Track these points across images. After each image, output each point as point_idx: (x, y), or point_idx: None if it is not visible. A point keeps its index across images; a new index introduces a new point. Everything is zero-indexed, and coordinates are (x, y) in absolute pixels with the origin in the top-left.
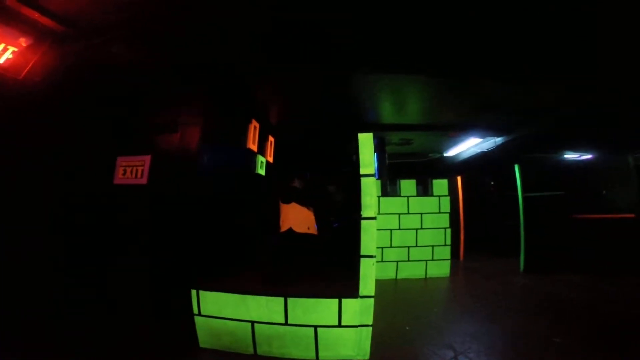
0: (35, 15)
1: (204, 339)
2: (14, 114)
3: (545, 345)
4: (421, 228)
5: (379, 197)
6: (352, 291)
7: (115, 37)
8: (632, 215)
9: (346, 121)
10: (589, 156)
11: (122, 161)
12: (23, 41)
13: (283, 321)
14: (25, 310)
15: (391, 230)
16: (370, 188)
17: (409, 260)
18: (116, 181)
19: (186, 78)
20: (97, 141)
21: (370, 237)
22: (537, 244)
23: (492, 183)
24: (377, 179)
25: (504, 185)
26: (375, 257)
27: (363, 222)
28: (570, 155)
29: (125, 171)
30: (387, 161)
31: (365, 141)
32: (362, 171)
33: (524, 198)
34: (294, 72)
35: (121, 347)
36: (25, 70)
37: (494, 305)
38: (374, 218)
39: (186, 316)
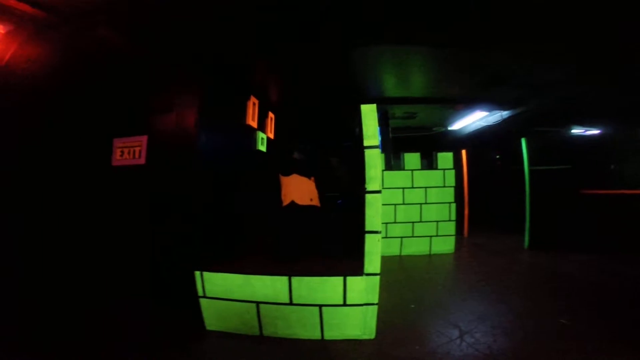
0: (11, 2)
1: (210, 322)
2: (9, 102)
3: (552, 325)
4: (425, 203)
5: (382, 171)
6: (357, 269)
7: (99, 20)
8: None
9: (348, 95)
10: (597, 130)
11: (118, 142)
12: (1, 28)
13: (288, 301)
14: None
15: (395, 205)
16: (374, 160)
17: (413, 236)
18: (115, 163)
19: (179, 58)
20: (92, 124)
21: (375, 212)
22: (543, 219)
23: (498, 157)
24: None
25: (509, 160)
26: (380, 232)
27: (367, 196)
28: (578, 130)
29: (122, 152)
30: (390, 135)
31: (369, 112)
32: (366, 143)
33: (530, 172)
34: (291, 50)
35: (126, 331)
36: (7, 58)
37: (500, 283)
38: (379, 191)
39: (191, 298)
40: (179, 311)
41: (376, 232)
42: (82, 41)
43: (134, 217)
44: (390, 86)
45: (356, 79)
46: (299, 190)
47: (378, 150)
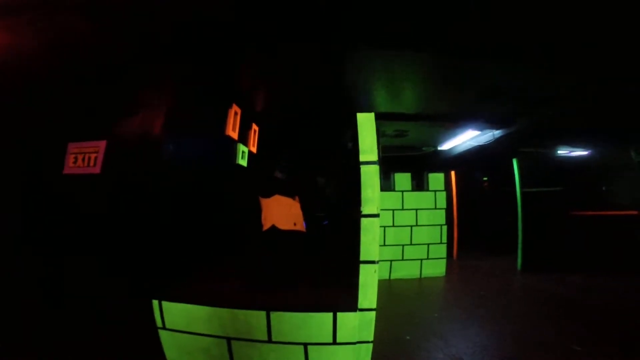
0: None
1: (172, 356)
2: None
3: (564, 353)
4: (416, 225)
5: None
6: (350, 303)
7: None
8: (635, 212)
9: (338, 107)
10: (587, 152)
11: (73, 147)
12: None
13: (266, 338)
14: None
15: (385, 227)
16: (371, 178)
17: (403, 260)
18: (66, 170)
19: (149, 54)
20: (44, 125)
21: (371, 239)
22: (536, 241)
23: (485, 179)
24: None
25: (499, 181)
26: (377, 262)
27: (363, 221)
28: (569, 151)
29: (76, 159)
30: (380, 154)
31: (366, 122)
32: (362, 158)
33: (522, 193)
34: (277, 51)
35: None
36: None
37: (498, 308)
38: (376, 215)
39: (148, 329)
40: (138, 341)
41: (372, 262)
42: (43, 27)
43: (83, 234)
44: (382, 101)
45: (347, 91)
46: (281, 213)
47: (376, 167)
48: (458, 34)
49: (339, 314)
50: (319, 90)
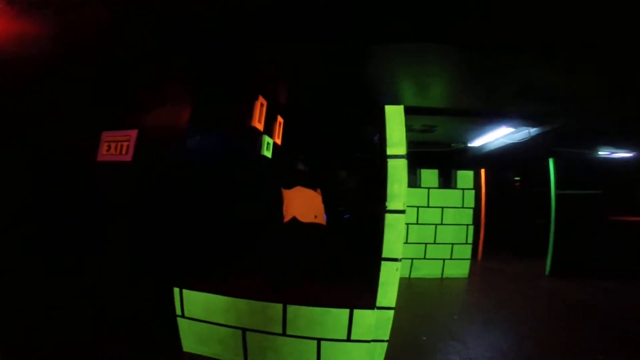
0: None
1: (188, 344)
2: None
3: None
4: (441, 224)
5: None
6: (368, 300)
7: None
8: None
9: (365, 101)
10: (631, 154)
11: (106, 136)
12: None
13: (281, 331)
14: None
15: (408, 224)
16: (399, 173)
17: (425, 258)
18: (100, 158)
19: (178, 47)
20: (81, 115)
21: (396, 236)
22: (568, 246)
23: (517, 179)
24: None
25: (532, 182)
26: (400, 260)
27: (388, 216)
28: (610, 152)
29: (109, 147)
30: (407, 148)
31: (394, 115)
32: (390, 151)
33: (556, 195)
34: (302, 49)
35: (93, 346)
36: None
37: (521, 314)
38: (402, 211)
39: (168, 316)
40: (155, 328)
41: (395, 260)
42: (72, 22)
43: (113, 221)
44: (409, 94)
45: (373, 84)
46: (303, 205)
47: (404, 161)
48: (484, 28)
49: (355, 311)
50: (344, 83)
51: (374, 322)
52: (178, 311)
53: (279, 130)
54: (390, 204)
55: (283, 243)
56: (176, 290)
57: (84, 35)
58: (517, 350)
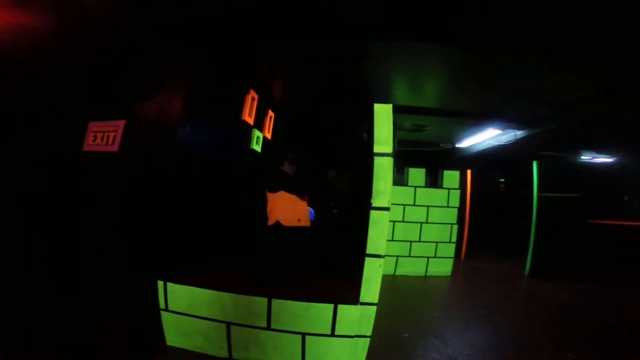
0: None
1: (172, 338)
2: None
3: None
4: (426, 222)
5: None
6: (351, 296)
7: None
8: None
9: (356, 98)
10: (611, 159)
11: (93, 126)
12: None
13: (265, 325)
14: None
15: (394, 222)
16: (385, 171)
17: (410, 256)
18: (85, 148)
19: (169, 36)
20: (67, 105)
21: (380, 232)
22: (547, 247)
23: (501, 180)
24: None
25: (516, 183)
26: (383, 257)
27: (373, 213)
28: (592, 157)
29: (95, 137)
30: (396, 147)
31: (383, 113)
32: (377, 149)
33: (538, 197)
34: (295, 46)
35: (73, 339)
36: None
37: (499, 312)
38: (386, 208)
39: (151, 309)
40: (139, 322)
41: (378, 256)
42: (66, 12)
43: (98, 213)
44: (401, 93)
45: (367, 82)
46: (286, 210)
47: (390, 160)
48: (484, 28)
49: (339, 306)
50: (338, 82)
51: (358, 318)
52: (162, 305)
53: (269, 125)
54: (375, 201)
55: (272, 242)
56: (160, 283)
57: (76, 27)
58: (494, 348)
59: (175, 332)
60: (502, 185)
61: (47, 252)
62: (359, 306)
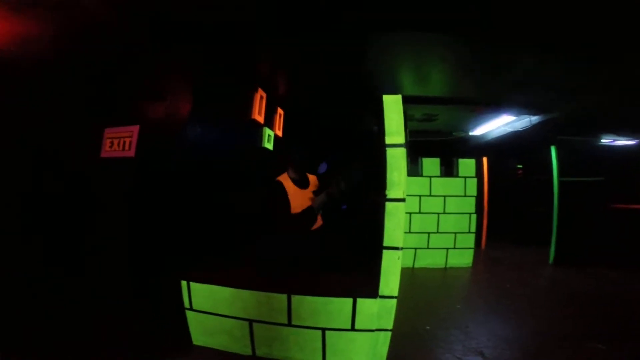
0: None
1: (197, 337)
2: None
3: (587, 351)
4: (444, 212)
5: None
6: (370, 290)
7: None
8: None
9: (363, 91)
10: (634, 141)
11: (109, 133)
12: None
13: (286, 321)
14: None
15: (411, 213)
16: (398, 161)
17: (428, 248)
18: (103, 154)
19: (173, 39)
20: (82, 114)
21: (396, 224)
22: (571, 233)
23: (519, 166)
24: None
25: (534, 169)
26: (401, 249)
27: (388, 205)
28: (612, 139)
29: (112, 143)
30: (408, 137)
31: (393, 104)
32: (388, 140)
33: (559, 183)
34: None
35: (106, 342)
36: None
37: (524, 303)
38: (402, 200)
39: (177, 310)
40: (166, 323)
41: (396, 249)
42: (68, 17)
43: (118, 217)
44: (409, 83)
45: (372, 73)
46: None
47: (403, 150)
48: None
49: (358, 300)
50: (344, 75)
51: (377, 311)
52: (186, 304)
53: (279, 122)
54: (390, 193)
55: (280, 242)
56: (184, 283)
57: (82, 33)
58: (518, 338)
59: (201, 331)
60: (519, 172)
61: (74, 254)
62: (378, 299)
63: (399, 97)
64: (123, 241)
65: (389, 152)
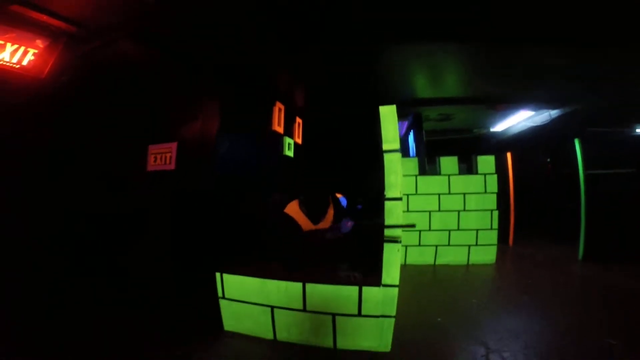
0: (44, 17)
1: (228, 322)
2: (52, 114)
3: (596, 345)
4: (464, 210)
5: (415, 176)
6: (374, 279)
7: (120, 36)
8: None
9: (375, 98)
10: None
11: (152, 149)
12: (40, 42)
13: (302, 307)
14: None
15: (430, 212)
16: (394, 165)
17: (449, 245)
18: (149, 168)
19: (199, 69)
20: (131, 133)
21: (394, 220)
22: (600, 228)
23: (548, 160)
24: (412, 157)
25: (560, 163)
26: (400, 241)
27: (387, 204)
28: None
29: (156, 158)
30: (424, 138)
31: (388, 114)
32: (385, 147)
33: (585, 176)
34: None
35: (148, 329)
36: (47, 70)
37: (545, 299)
38: (399, 199)
39: (212, 299)
40: (202, 311)
41: (395, 241)
42: (111, 54)
43: (163, 220)
44: (422, 86)
45: (384, 80)
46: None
47: (398, 155)
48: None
49: (364, 288)
50: (357, 83)
51: (381, 299)
52: (220, 293)
53: (298, 131)
54: (389, 193)
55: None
56: (217, 275)
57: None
58: (528, 333)
59: (231, 316)
60: (549, 166)
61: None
62: (381, 288)
63: (393, 107)
64: (166, 244)
65: (387, 157)
